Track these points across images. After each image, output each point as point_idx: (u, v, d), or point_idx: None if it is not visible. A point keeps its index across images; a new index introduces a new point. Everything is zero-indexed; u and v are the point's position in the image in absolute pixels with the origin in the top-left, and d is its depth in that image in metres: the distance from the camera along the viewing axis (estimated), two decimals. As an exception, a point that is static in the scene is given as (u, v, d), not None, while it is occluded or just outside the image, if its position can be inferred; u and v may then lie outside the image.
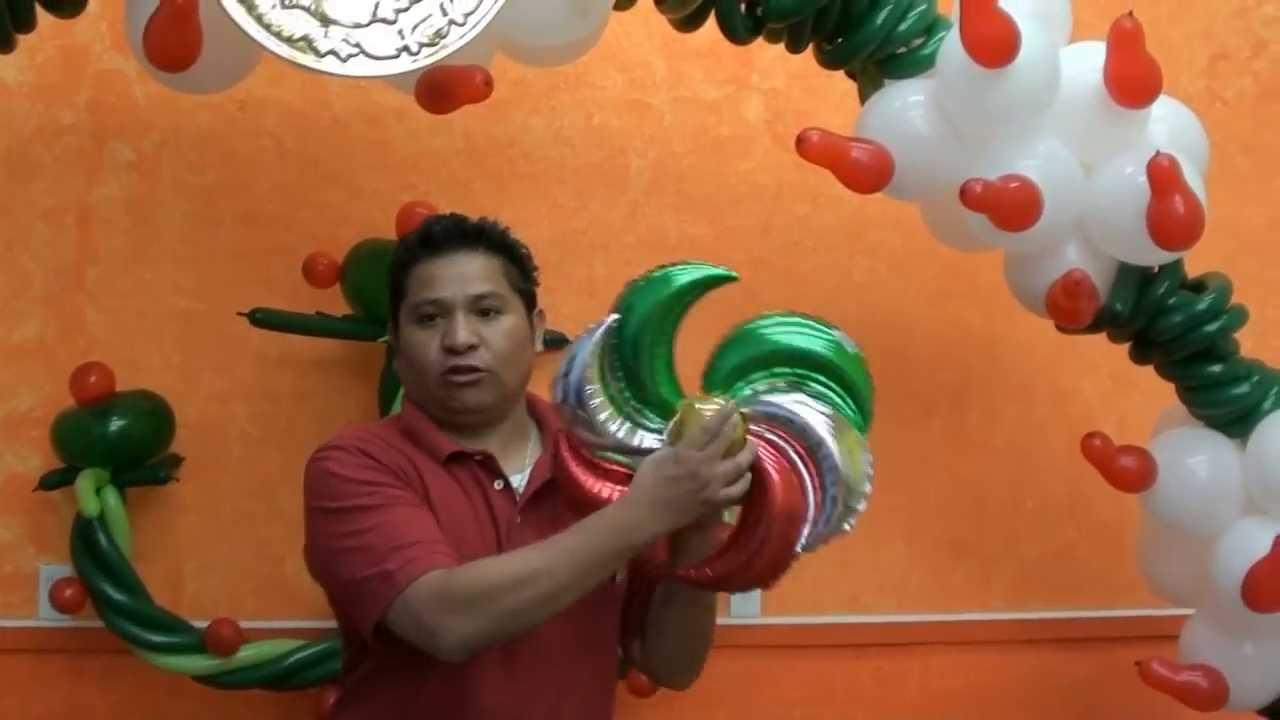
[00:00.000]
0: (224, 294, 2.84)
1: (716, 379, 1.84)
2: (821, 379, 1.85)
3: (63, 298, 2.85)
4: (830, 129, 2.37)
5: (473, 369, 1.94)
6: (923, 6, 2.40)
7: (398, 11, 2.19)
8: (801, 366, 1.85)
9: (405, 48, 2.20)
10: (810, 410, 1.83)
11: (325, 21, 2.18)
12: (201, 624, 2.73)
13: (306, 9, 2.17)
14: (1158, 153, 2.31)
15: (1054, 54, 2.35)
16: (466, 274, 1.96)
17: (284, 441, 2.85)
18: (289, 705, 2.78)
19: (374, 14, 2.18)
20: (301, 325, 2.80)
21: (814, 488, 1.83)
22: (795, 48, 2.45)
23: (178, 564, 2.86)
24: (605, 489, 1.81)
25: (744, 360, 1.84)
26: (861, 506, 1.86)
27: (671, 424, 1.81)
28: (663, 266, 1.81)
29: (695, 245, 2.95)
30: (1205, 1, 3.16)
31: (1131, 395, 2.96)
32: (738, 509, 1.84)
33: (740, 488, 1.80)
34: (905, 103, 2.40)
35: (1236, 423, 2.52)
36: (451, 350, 1.94)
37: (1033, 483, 3.07)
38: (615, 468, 1.83)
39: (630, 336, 1.78)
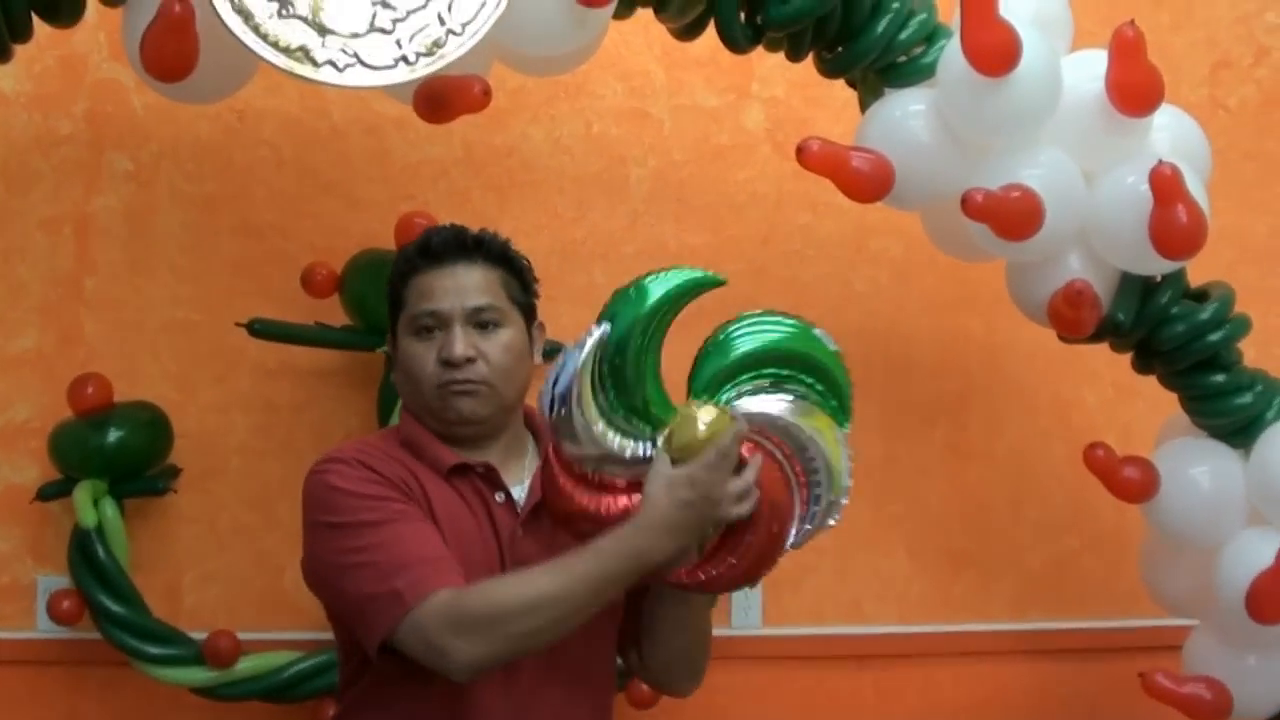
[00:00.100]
0: (222, 304, 2.83)
1: (699, 386, 1.83)
2: (803, 377, 1.86)
3: (60, 308, 2.84)
4: (830, 138, 2.36)
5: (469, 381, 1.93)
6: (923, 15, 2.40)
7: (395, 21, 2.18)
8: (783, 366, 1.85)
9: (403, 57, 2.19)
10: (793, 409, 1.84)
11: (322, 31, 2.17)
12: (200, 636, 2.72)
13: (303, 19, 2.17)
14: (1160, 161, 2.29)
15: (1055, 62, 2.34)
16: (465, 286, 1.95)
17: (282, 452, 2.85)
18: (288, 717, 2.77)
19: (371, 24, 2.18)
20: (300, 336, 2.79)
21: (799, 485, 1.84)
22: (795, 56, 2.45)
23: (176, 575, 2.85)
24: (596, 502, 1.80)
25: (726, 365, 1.83)
26: (845, 500, 1.87)
27: (666, 433, 1.79)
28: (649, 273, 1.80)
29: (695, 254, 2.93)
30: (1207, 9, 3.15)
31: (1134, 404, 2.95)
32: None
33: (749, 505, 1.79)
34: (906, 111, 2.39)
35: (1240, 433, 2.51)
36: (448, 363, 1.92)
37: (1035, 493, 3.06)
38: (607, 480, 1.81)
39: (619, 345, 1.77)
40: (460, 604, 1.78)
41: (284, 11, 2.16)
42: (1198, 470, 2.52)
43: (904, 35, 2.38)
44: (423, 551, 1.83)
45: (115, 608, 2.70)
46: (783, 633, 2.97)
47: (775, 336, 1.85)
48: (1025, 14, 2.31)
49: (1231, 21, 3.16)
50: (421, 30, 2.20)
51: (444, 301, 1.94)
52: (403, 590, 1.79)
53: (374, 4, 2.18)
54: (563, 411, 1.76)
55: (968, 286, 2.96)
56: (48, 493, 2.75)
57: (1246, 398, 2.49)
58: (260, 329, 2.77)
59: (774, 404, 1.83)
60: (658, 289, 1.78)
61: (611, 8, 2.28)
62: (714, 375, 1.82)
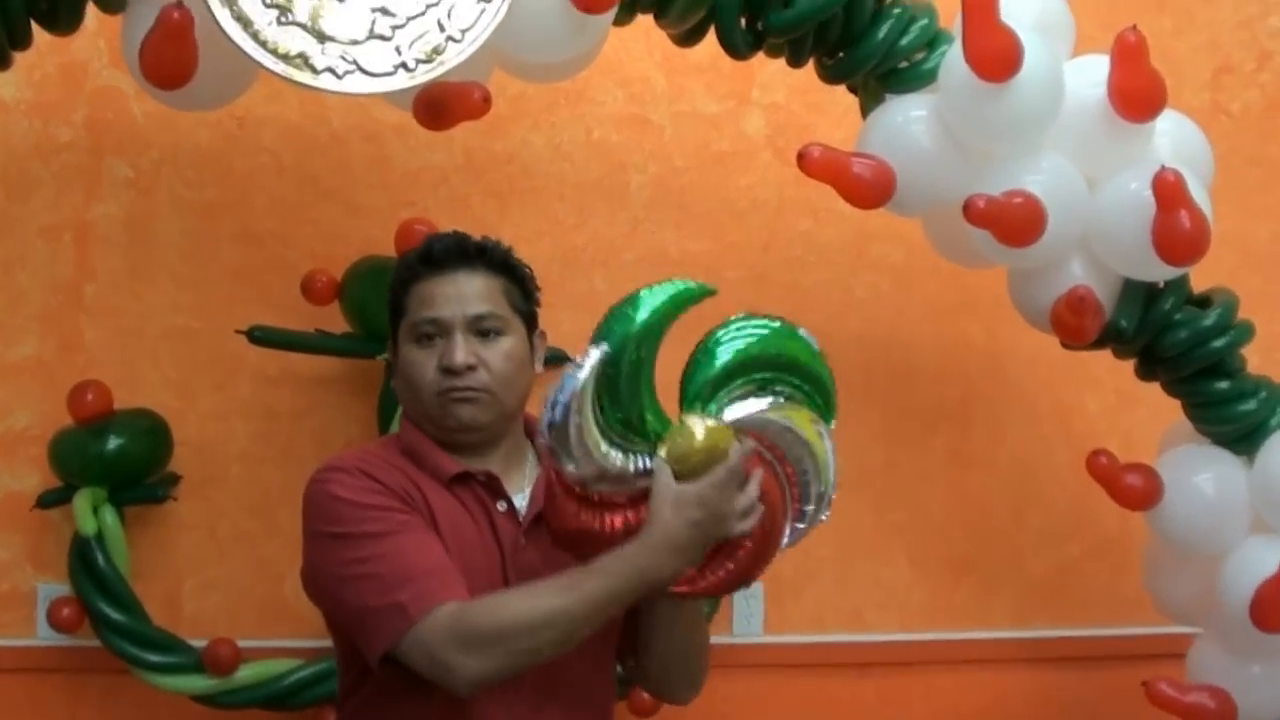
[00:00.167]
0: (222, 311, 2.83)
1: (691, 395, 1.82)
2: (789, 379, 1.86)
3: (60, 315, 2.84)
4: (832, 144, 2.35)
5: (470, 389, 1.92)
6: (924, 20, 2.39)
7: (394, 28, 2.18)
8: (767, 370, 1.84)
9: (402, 64, 2.19)
10: (782, 412, 1.84)
11: (322, 38, 2.17)
12: (200, 643, 2.72)
13: (303, 26, 2.16)
14: (1163, 167, 2.29)
15: (1057, 68, 2.34)
16: (466, 294, 1.94)
17: (283, 459, 2.85)
18: (288, 725, 2.76)
19: (371, 30, 2.18)
20: (300, 343, 2.79)
21: (789, 485, 1.84)
22: (796, 62, 2.44)
23: (176, 583, 2.85)
24: (599, 521, 1.79)
25: (714, 374, 1.82)
26: (834, 495, 1.87)
27: (665, 446, 1.79)
28: (641, 289, 1.79)
29: (696, 261, 2.94)
30: (1209, 14, 3.15)
31: (1136, 411, 2.94)
32: None
33: (754, 519, 1.79)
34: (907, 117, 2.39)
35: (1243, 439, 2.50)
36: (449, 370, 1.92)
37: (1037, 500, 3.05)
38: (608, 497, 1.80)
39: (613, 361, 1.76)
40: (465, 619, 1.77)
41: (283, 18, 2.16)
42: (1201, 478, 2.51)
43: (905, 41, 2.37)
44: (426, 563, 1.82)
45: (115, 615, 2.70)
46: (784, 640, 2.96)
47: (757, 341, 1.84)
48: (1027, 19, 2.30)
49: (1234, 26, 3.15)
50: (421, 37, 2.19)
51: (445, 309, 1.93)
52: (406, 603, 1.78)
53: (373, 11, 2.18)
54: (563, 432, 1.75)
55: (969, 293, 2.96)
56: (48, 500, 2.75)
57: (1250, 404, 2.48)
58: (260, 336, 2.77)
59: (758, 406, 1.83)
60: (649, 303, 1.77)
61: (612, 14, 2.28)
62: (703, 384, 1.81)
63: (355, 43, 2.18)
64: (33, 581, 2.81)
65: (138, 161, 2.85)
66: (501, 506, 1.94)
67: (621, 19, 2.36)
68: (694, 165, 2.99)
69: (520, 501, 1.95)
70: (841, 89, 2.52)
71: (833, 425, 1.88)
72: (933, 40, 2.39)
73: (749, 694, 2.92)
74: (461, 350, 1.92)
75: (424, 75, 2.20)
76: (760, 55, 2.44)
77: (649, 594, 1.81)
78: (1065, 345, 2.54)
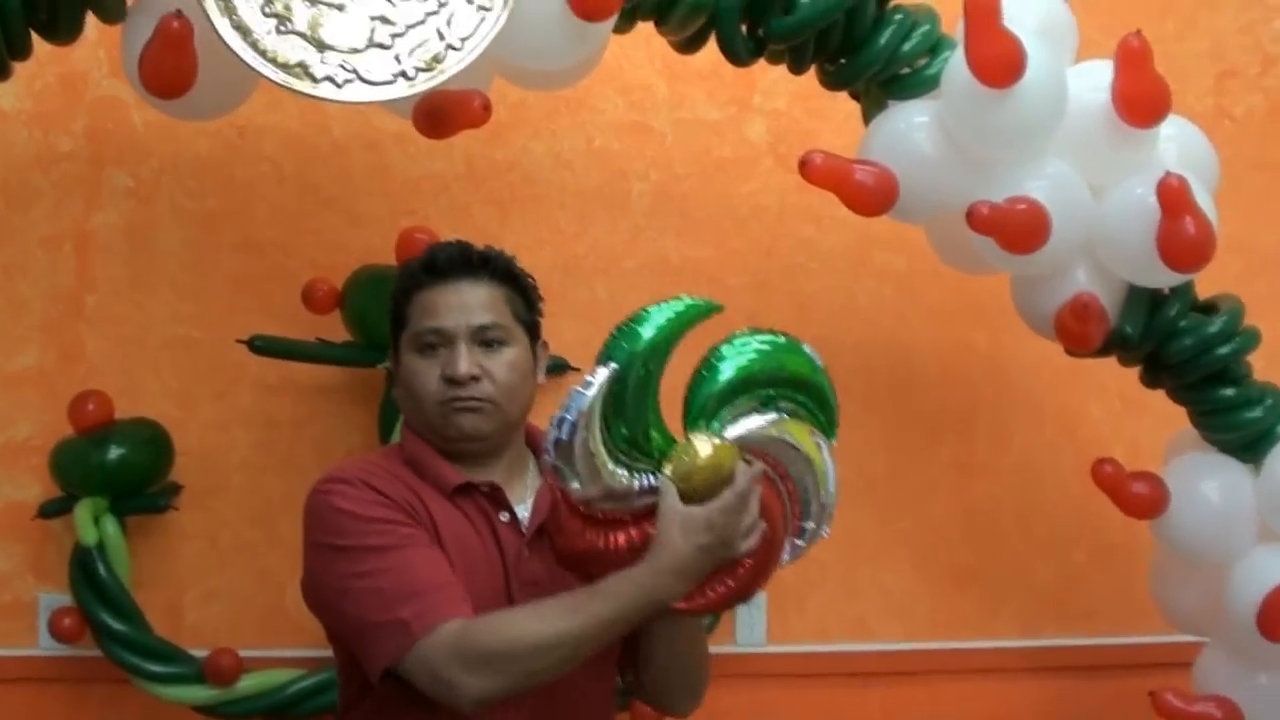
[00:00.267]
0: (223, 321, 2.82)
1: (694, 412, 1.81)
2: (792, 395, 1.85)
3: (61, 325, 2.83)
4: (833, 150, 2.35)
5: (473, 399, 1.91)
6: (927, 26, 2.38)
7: (394, 36, 2.17)
8: (770, 386, 1.84)
9: (402, 73, 2.18)
10: (783, 428, 1.83)
11: (321, 47, 2.16)
12: (201, 653, 2.72)
13: (302, 35, 2.16)
14: (1167, 173, 2.28)
15: (1061, 73, 2.33)
16: (470, 304, 1.94)
17: (284, 469, 2.84)
18: (290, 736, 2.74)
19: (370, 39, 2.17)
20: (301, 352, 2.78)
21: (790, 501, 1.85)
22: (797, 69, 2.43)
23: (177, 593, 2.84)
24: (604, 539, 1.79)
25: (716, 391, 1.81)
26: (834, 512, 1.87)
27: (669, 464, 1.78)
28: (646, 307, 1.78)
29: (698, 268, 2.94)
30: (1212, 18, 3.14)
31: (1141, 418, 2.93)
32: None
33: (757, 538, 1.79)
34: (910, 124, 2.38)
35: (1250, 447, 2.49)
36: (452, 381, 1.91)
37: (1042, 507, 3.04)
38: (613, 516, 1.80)
39: (620, 380, 1.76)
40: (469, 638, 1.76)
41: (282, 27, 2.15)
42: (1207, 485, 2.50)
43: (907, 47, 2.36)
44: (429, 579, 1.81)
45: (117, 625, 2.69)
46: (788, 650, 2.95)
47: (760, 357, 1.83)
48: (1029, 24, 2.29)
49: (1237, 30, 3.14)
50: (421, 45, 2.19)
51: (448, 319, 1.92)
52: (409, 620, 1.77)
53: (373, 19, 2.17)
54: (569, 451, 1.74)
55: (972, 299, 2.95)
56: (49, 510, 2.74)
57: (1257, 412, 2.47)
58: (261, 345, 2.76)
59: (760, 422, 1.82)
60: (656, 320, 1.77)
61: (612, 21, 2.27)
62: (707, 400, 1.81)
63: (355, 51, 2.17)
64: (34, 591, 2.80)
65: (138, 171, 2.85)
66: (504, 517, 1.93)
67: (622, 26, 2.35)
68: (695, 172, 2.98)
69: (523, 512, 1.95)
70: (843, 95, 2.51)
71: (834, 441, 1.87)
72: (935, 46, 2.38)
73: (752, 704, 2.91)
74: (465, 360, 1.91)
75: (424, 84, 2.19)
76: (761, 62, 2.43)
77: (653, 615, 1.80)
78: (1069, 352, 2.53)
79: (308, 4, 2.17)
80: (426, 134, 2.29)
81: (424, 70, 2.19)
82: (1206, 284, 2.50)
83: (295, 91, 2.18)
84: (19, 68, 2.34)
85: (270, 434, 2.86)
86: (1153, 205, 2.29)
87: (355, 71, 2.17)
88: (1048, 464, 3.04)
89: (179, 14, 2.11)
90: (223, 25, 2.15)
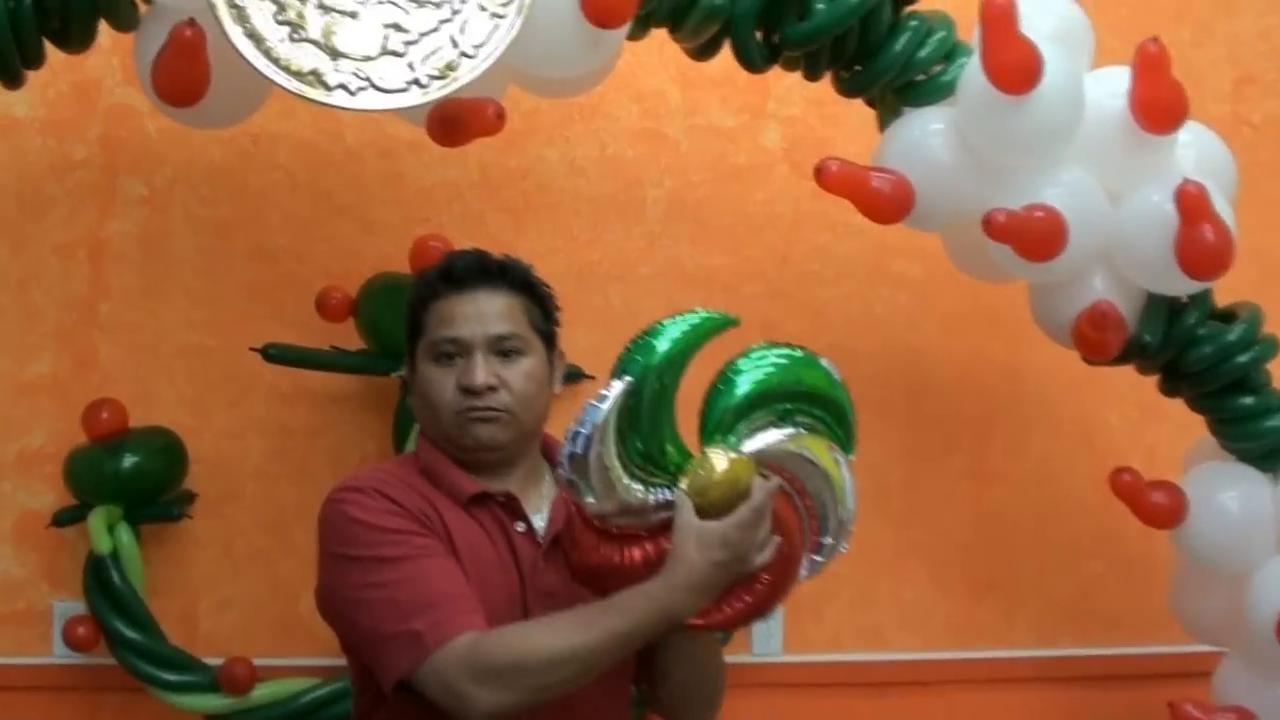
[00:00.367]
0: (237, 329, 2.82)
1: (710, 426, 1.80)
2: (810, 409, 1.84)
3: (75, 333, 2.84)
4: (848, 157, 2.34)
5: (490, 409, 1.90)
6: (942, 33, 2.37)
7: (407, 44, 2.17)
8: (788, 401, 1.82)
9: (415, 80, 2.18)
10: (801, 442, 1.82)
11: (334, 55, 2.16)
12: (215, 662, 2.71)
13: (315, 42, 2.15)
14: (1185, 180, 2.27)
15: (1078, 80, 2.32)
16: (487, 313, 1.93)
17: (298, 477, 2.84)
18: (303, 745, 2.74)
19: (383, 47, 2.17)
20: (315, 360, 2.78)
21: (808, 518, 1.83)
22: (812, 76, 2.42)
23: (192, 601, 2.84)
24: (619, 554, 1.78)
25: (733, 405, 1.80)
26: (852, 527, 1.86)
27: (685, 478, 1.77)
28: (662, 319, 1.77)
29: (713, 276, 2.93)
30: (1229, 24, 3.12)
31: (1159, 426, 2.91)
32: None
33: (770, 551, 1.78)
34: (925, 131, 2.37)
35: (1270, 456, 2.47)
36: (469, 390, 1.90)
37: (1059, 516, 3.02)
38: (629, 531, 1.79)
39: (635, 394, 1.75)
40: (482, 651, 1.75)
41: (295, 35, 2.15)
42: (1227, 495, 2.48)
43: (923, 53, 2.35)
44: (443, 590, 1.80)
45: (131, 634, 2.69)
46: (804, 660, 2.93)
47: (777, 371, 1.82)
48: (1046, 30, 2.28)
49: (1254, 36, 3.13)
50: (434, 53, 2.18)
51: (465, 328, 1.92)
52: (423, 632, 1.77)
53: (386, 27, 2.17)
54: (584, 464, 1.73)
55: (989, 307, 2.93)
56: (63, 518, 2.74)
57: (1276, 420, 2.45)
58: (275, 353, 2.76)
59: (777, 436, 1.81)
60: (671, 333, 1.76)
61: (626, 28, 2.27)
62: (723, 414, 1.80)
63: (368, 59, 2.17)
64: (48, 600, 2.80)
65: (152, 179, 2.85)
66: (520, 527, 1.92)
67: (636, 33, 2.35)
68: (710, 179, 2.97)
69: (539, 522, 1.94)
70: (858, 102, 2.50)
71: (853, 456, 1.86)
72: (951, 52, 2.37)
73: (768, 714, 2.89)
74: (482, 370, 1.90)
75: (437, 91, 2.19)
76: (776, 68, 2.43)
77: (668, 630, 1.79)
78: (1087, 360, 2.51)
79: (321, 12, 2.16)
80: (440, 142, 2.29)
81: (437, 78, 2.19)
82: (1225, 292, 2.49)
83: (308, 99, 2.18)
84: (32, 76, 2.35)
85: (284, 442, 2.86)
86: (1171, 212, 2.28)
87: (368, 79, 2.17)
88: (1065, 473, 3.02)
89: (192, 22, 2.11)
90: (235, 33, 2.15)
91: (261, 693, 2.71)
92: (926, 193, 2.33)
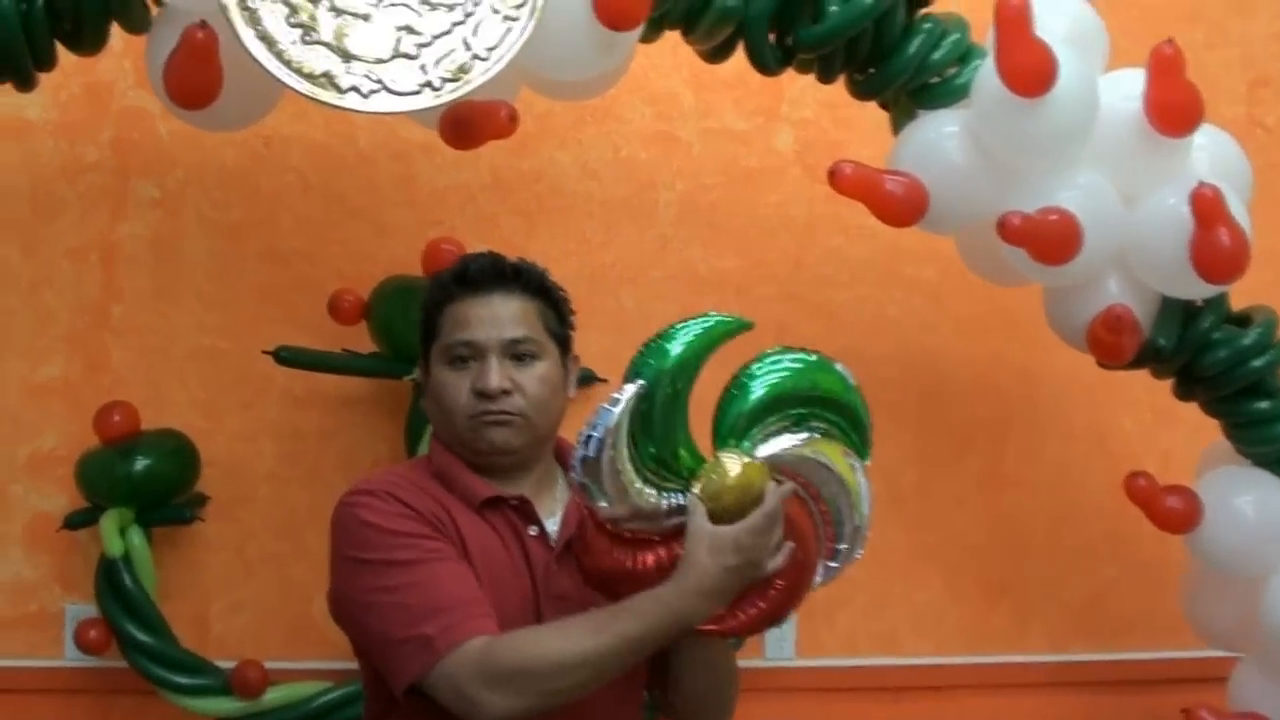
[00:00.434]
0: (249, 331, 2.82)
1: (723, 431, 1.79)
2: (824, 414, 1.83)
3: (87, 336, 2.84)
4: (862, 160, 2.33)
5: (504, 412, 1.90)
6: (956, 35, 2.36)
7: (420, 46, 2.16)
8: (802, 406, 1.82)
9: (428, 83, 2.17)
10: (816, 447, 1.81)
11: (346, 57, 2.16)
12: (227, 665, 2.71)
13: (328, 45, 2.15)
14: (1201, 183, 2.26)
15: (1092, 82, 2.31)
16: (502, 316, 1.92)
17: (310, 480, 2.84)
18: (315, 749, 2.73)
19: (396, 49, 2.16)
20: (327, 363, 2.78)
21: (823, 523, 1.82)
22: (826, 78, 2.42)
23: (204, 604, 2.84)
24: (631, 559, 1.78)
25: (747, 410, 1.79)
26: (868, 533, 1.85)
27: (699, 483, 1.76)
28: (675, 323, 1.77)
29: (725, 279, 2.92)
30: (1243, 26, 3.11)
31: (1174, 430, 2.90)
32: None
33: (784, 557, 1.77)
34: (940, 133, 2.36)
35: (1284, 461, 2.47)
36: (483, 394, 1.89)
37: (1072, 521, 3.01)
38: (641, 535, 1.78)
39: (648, 398, 1.74)
40: (493, 655, 1.74)
41: (308, 38, 2.15)
42: (1242, 500, 2.47)
43: (937, 56, 2.35)
44: (455, 595, 1.80)
45: (142, 637, 2.69)
46: (817, 664, 2.93)
47: (789, 377, 1.81)
48: (1060, 33, 2.27)
49: (1268, 38, 3.12)
50: (447, 55, 2.18)
51: (480, 332, 1.91)
52: (434, 636, 1.76)
53: (398, 29, 2.17)
54: (596, 468, 1.72)
55: (1003, 311, 2.93)
56: (75, 521, 2.74)
57: (1292, 425, 2.44)
58: (287, 356, 2.75)
59: (792, 441, 1.81)
60: (684, 337, 1.75)
61: (639, 30, 2.26)
62: (737, 419, 1.79)
63: (380, 61, 2.16)
64: (60, 602, 2.81)
65: (164, 181, 2.85)
66: (533, 531, 1.91)
67: (649, 35, 2.34)
68: (723, 182, 2.97)
69: (552, 526, 1.93)
70: (872, 104, 2.50)
71: (868, 462, 1.85)
72: (965, 55, 2.37)
73: (781, 718, 2.88)
74: (496, 374, 1.89)
75: (450, 94, 2.19)
76: (789, 71, 2.42)
77: (680, 635, 1.78)
78: (1102, 364, 2.50)
79: (333, 14, 2.16)
80: (453, 144, 2.28)
81: (450, 80, 2.18)
82: (1240, 296, 2.48)
83: (321, 102, 2.18)
84: (45, 78, 2.36)
85: (296, 445, 2.86)
86: (1186, 216, 2.27)
87: (381, 82, 2.16)
88: (1078, 477, 3.01)
89: (204, 24, 2.11)
90: (248, 35, 2.14)
91: (273, 696, 2.71)
92: (941, 196, 2.32)
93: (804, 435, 1.81)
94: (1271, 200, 2.78)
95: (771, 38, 2.36)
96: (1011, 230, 2.23)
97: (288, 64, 2.15)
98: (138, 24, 2.29)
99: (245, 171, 2.86)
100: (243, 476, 2.85)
